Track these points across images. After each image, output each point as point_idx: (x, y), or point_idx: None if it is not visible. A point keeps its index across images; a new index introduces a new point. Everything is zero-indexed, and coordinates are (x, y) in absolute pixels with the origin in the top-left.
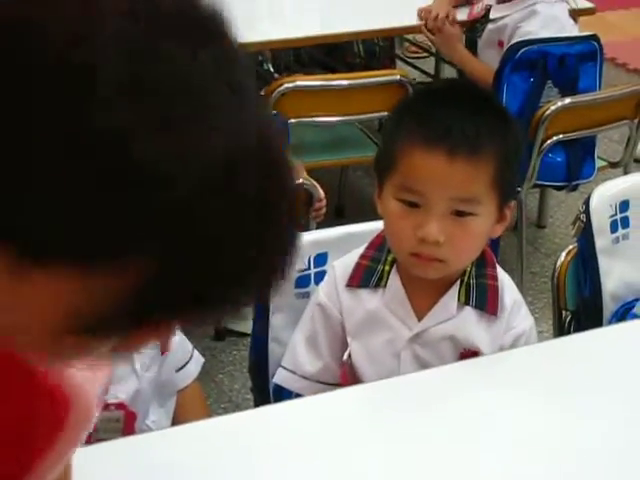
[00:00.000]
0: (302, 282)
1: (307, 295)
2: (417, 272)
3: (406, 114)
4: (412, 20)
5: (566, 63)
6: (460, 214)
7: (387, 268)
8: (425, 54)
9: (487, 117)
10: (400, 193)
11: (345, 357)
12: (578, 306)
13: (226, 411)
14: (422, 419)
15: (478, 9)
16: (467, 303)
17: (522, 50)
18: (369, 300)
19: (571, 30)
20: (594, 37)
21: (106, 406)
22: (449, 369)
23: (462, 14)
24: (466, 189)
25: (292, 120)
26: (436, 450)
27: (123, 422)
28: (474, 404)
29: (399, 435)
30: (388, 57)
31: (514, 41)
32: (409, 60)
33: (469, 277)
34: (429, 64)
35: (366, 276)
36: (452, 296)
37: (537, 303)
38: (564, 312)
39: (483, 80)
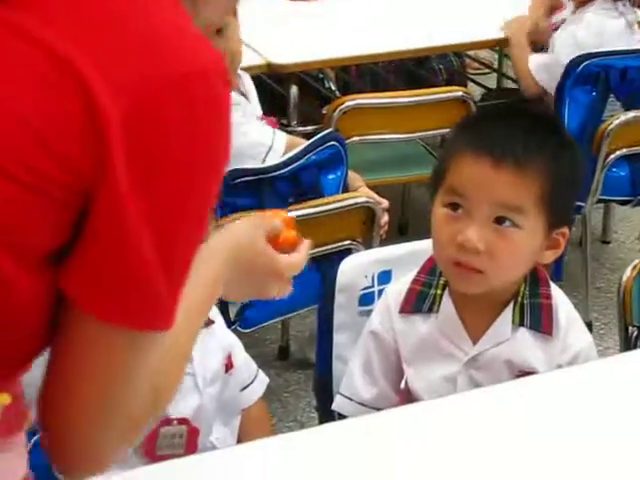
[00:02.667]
0: (366, 300)
1: (371, 313)
2: (459, 286)
3: (461, 129)
4: (475, 36)
5: (628, 76)
6: (502, 221)
7: (439, 292)
8: (487, 70)
9: (539, 137)
10: (446, 197)
11: (402, 385)
12: None
13: (291, 430)
14: (477, 438)
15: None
16: (522, 324)
17: (583, 64)
18: (422, 325)
19: (629, 43)
20: None
21: (168, 421)
22: (505, 387)
23: None
24: (511, 195)
25: (355, 138)
26: (494, 469)
27: (186, 438)
28: (533, 422)
29: (457, 454)
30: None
31: (552, 44)
32: (470, 76)
33: (522, 297)
34: (491, 80)
35: (419, 301)
36: (506, 317)
37: (602, 319)
38: (630, 327)
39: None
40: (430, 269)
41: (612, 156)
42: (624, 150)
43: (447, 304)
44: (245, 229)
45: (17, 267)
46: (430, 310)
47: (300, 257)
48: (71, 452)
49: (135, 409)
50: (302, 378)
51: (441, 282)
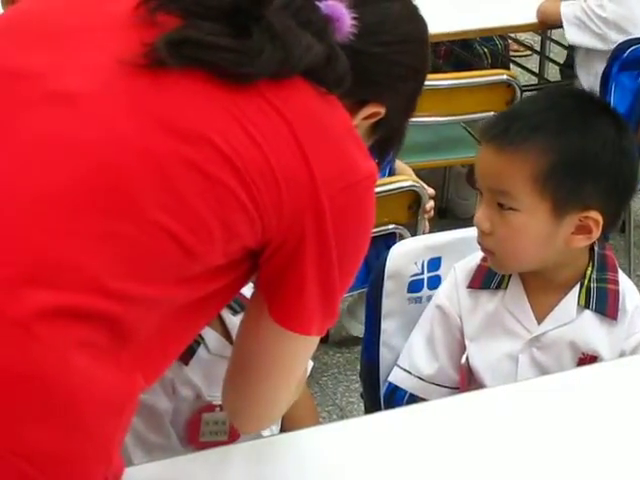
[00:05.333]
0: (415, 287)
1: (419, 300)
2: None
3: None
4: (522, 19)
5: None
6: (501, 204)
7: None
8: (528, 52)
9: (544, 115)
10: None
11: (463, 360)
12: None
13: (330, 414)
14: (540, 427)
15: None
16: (587, 307)
17: (630, 49)
18: (489, 302)
19: None
20: None
21: (211, 407)
22: (569, 375)
23: None
24: (497, 181)
25: None
26: (558, 457)
27: (229, 424)
28: (595, 411)
29: (516, 444)
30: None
31: None
32: (511, 58)
33: (589, 280)
34: (531, 62)
35: (488, 278)
36: (572, 299)
37: None
38: None
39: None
40: None
41: None
42: None
43: (515, 282)
44: None
45: (223, 259)
46: (498, 287)
47: None
48: (245, 418)
49: (292, 391)
50: (341, 362)
51: None
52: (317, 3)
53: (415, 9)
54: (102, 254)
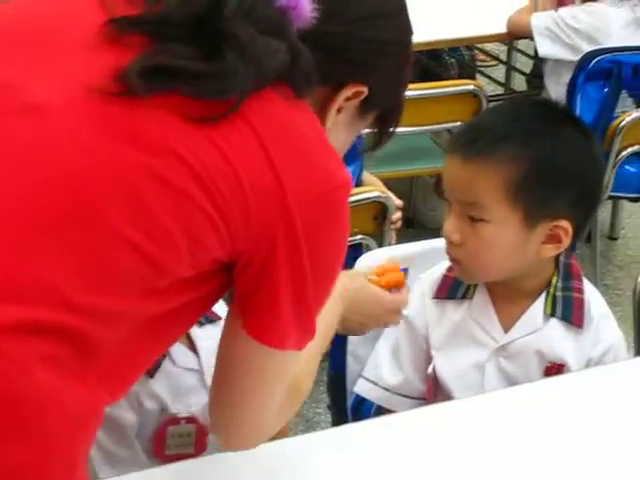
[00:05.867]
0: None
1: None
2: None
3: None
4: (487, 29)
5: None
6: (472, 215)
7: None
8: (494, 62)
9: (512, 125)
10: None
11: (429, 370)
12: None
13: (297, 425)
14: (508, 437)
15: None
16: (553, 315)
17: (595, 59)
18: (455, 312)
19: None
20: None
21: (176, 420)
22: (537, 386)
23: None
24: (467, 192)
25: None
26: (526, 467)
27: (195, 437)
28: (561, 422)
29: (482, 456)
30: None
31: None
32: (478, 68)
33: (555, 289)
34: (497, 72)
35: (453, 288)
36: (538, 308)
37: None
38: None
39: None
40: None
41: (624, 153)
42: (636, 147)
43: (481, 291)
44: (351, 282)
45: (192, 272)
46: (464, 297)
47: (402, 295)
48: (228, 434)
49: (277, 406)
50: None
51: None
52: None
53: None
54: (66, 267)
